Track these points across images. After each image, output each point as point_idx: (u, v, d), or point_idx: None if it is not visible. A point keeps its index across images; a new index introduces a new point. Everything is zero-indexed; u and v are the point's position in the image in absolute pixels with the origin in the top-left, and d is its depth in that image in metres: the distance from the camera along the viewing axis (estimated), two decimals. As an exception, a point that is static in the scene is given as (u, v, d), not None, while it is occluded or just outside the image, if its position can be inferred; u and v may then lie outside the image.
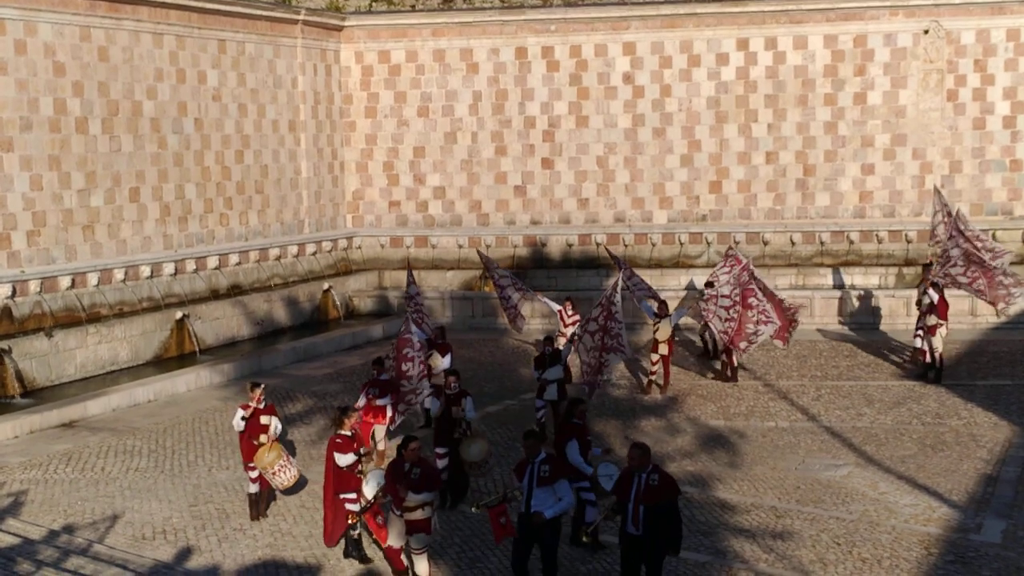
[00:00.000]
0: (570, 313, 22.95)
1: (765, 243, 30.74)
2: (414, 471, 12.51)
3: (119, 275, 24.87)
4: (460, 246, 32.02)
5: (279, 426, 15.32)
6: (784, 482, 16.48)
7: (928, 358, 22.65)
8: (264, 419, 15.06)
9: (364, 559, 13.54)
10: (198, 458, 18.02)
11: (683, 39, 31.23)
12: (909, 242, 30.32)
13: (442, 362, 19.28)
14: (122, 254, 25.36)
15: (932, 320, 22.54)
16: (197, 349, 25.46)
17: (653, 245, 31.33)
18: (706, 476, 16.67)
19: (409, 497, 12.44)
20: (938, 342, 22.56)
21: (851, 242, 30.56)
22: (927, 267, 25.26)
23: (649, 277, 29.71)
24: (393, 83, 32.43)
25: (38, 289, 22.98)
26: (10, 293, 22.35)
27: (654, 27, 31.26)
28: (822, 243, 30.65)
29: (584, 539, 12.35)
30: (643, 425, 19.69)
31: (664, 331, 21.87)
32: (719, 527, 14.48)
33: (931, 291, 22.81)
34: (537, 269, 30.93)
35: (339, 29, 32.10)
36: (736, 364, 22.80)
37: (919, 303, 24.22)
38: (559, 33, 31.65)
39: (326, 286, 30.11)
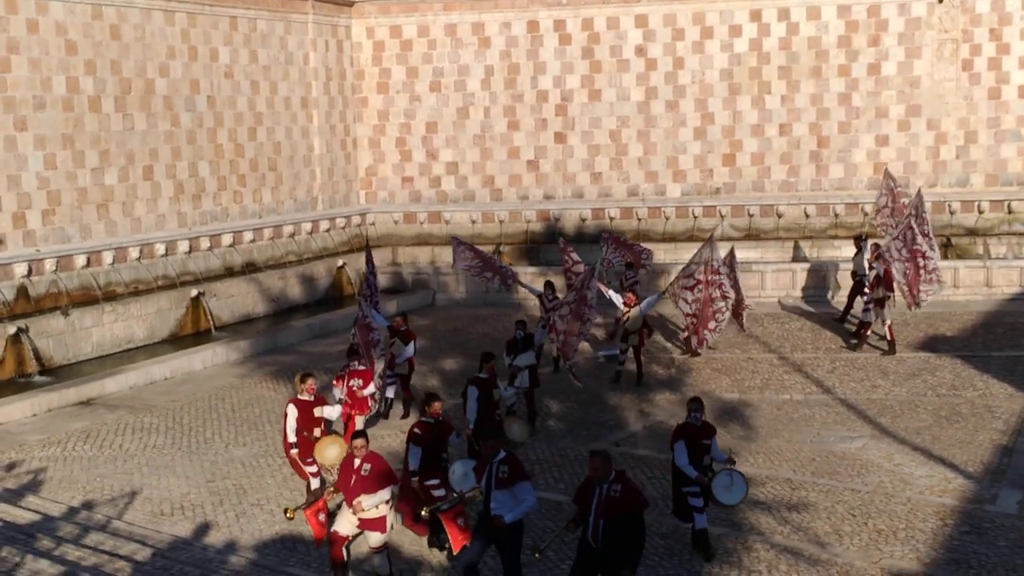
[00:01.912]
0: (551, 297, 21.84)
1: (779, 215, 30.65)
2: (364, 467, 11.92)
3: (134, 253, 24.95)
4: (473, 221, 32.01)
5: (333, 416, 14.94)
6: (799, 454, 16.50)
7: (870, 330, 22.84)
8: (318, 411, 14.52)
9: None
10: (215, 435, 18.13)
11: (696, 11, 31.04)
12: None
13: (406, 350, 18.76)
14: (137, 232, 25.43)
15: (880, 293, 22.48)
16: (212, 327, 25.55)
17: (667, 219, 31.26)
18: (721, 449, 16.66)
19: (363, 499, 11.83)
20: (886, 314, 22.59)
21: (865, 214, 30.38)
22: (859, 239, 25.23)
23: (663, 251, 29.85)
24: (405, 58, 32.35)
25: (54, 268, 23.08)
26: (26, 272, 22.45)
27: (666, -1, 31.13)
28: (836, 215, 30.54)
29: (539, 555, 11.14)
30: (657, 399, 19.72)
31: (634, 321, 20.67)
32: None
33: (878, 264, 22.70)
34: (550, 244, 30.83)
35: (350, 5, 32.00)
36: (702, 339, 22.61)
37: (853, 274, 24.67)
38: (571, 6, 31.49)
39: (340, 263, 30.16)
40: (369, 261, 20.21)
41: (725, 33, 30.98)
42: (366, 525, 12.05)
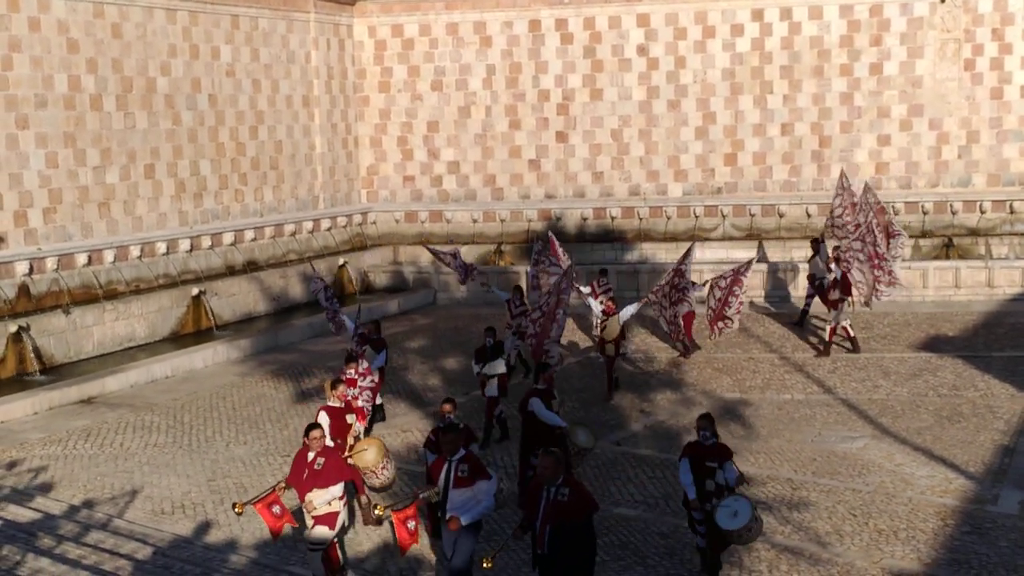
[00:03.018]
0: (518, 304, 21.06)
1: (781, 215, 30.63)
2: (318, 461, 11.71)
3: (135, 252, 24.95)
4: (475, 220, 32.01)
5: (359, 424, 14.64)
6: (800, 454, 16.49)
7: (830, 336, 22.76)
8: (349, 418, 14.24)
9: None
10: (216, 433, 18.13)
11: (697, 10, 31.03)
12: (925, 213, 30.18)
13: (376, 359, 17.97)
14: (138, 231, 25.43)
15: (835, 295, 22.46)
16: (214, 325, 25.56)
17: (668, 218, 31.25)
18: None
19: (314, 496, 11.60)
20: (841, 316, 22.57)
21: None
22: (816, 241, 25.31)
23: (664, 251, 29.83)
24: (407, 57, 32.35)
25: (55, 266, 23.07)
26: (27, 271, 22.45)
27: (668, -2, 31.10)
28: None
29: (485, 564, 10.26)
30: (658, 399, 19.71)
31: (611, 329, 19.92)
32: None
33: (835, 266, 22.67)
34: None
35: (352, 3, 32.00)
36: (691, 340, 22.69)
37: (811, 277, 24.67)
38: (573, 5, 31.49)
39: (341, 261, 30.16)
40: (315, 276, 19.82)
41: (727, 32, 30.96)
42: (316, 522, 11.77)
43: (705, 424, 12.07)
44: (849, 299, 22.73)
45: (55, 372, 21.71)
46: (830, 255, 23.71)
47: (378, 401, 18.05)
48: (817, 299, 24.15)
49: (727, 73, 31.09)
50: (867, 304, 22.91)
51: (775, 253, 29.82)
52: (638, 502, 14.56)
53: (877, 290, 22.51)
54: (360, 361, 16.32)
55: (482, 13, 31.83)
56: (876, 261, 22.35)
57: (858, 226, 22.97)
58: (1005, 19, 30.05)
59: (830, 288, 22.77)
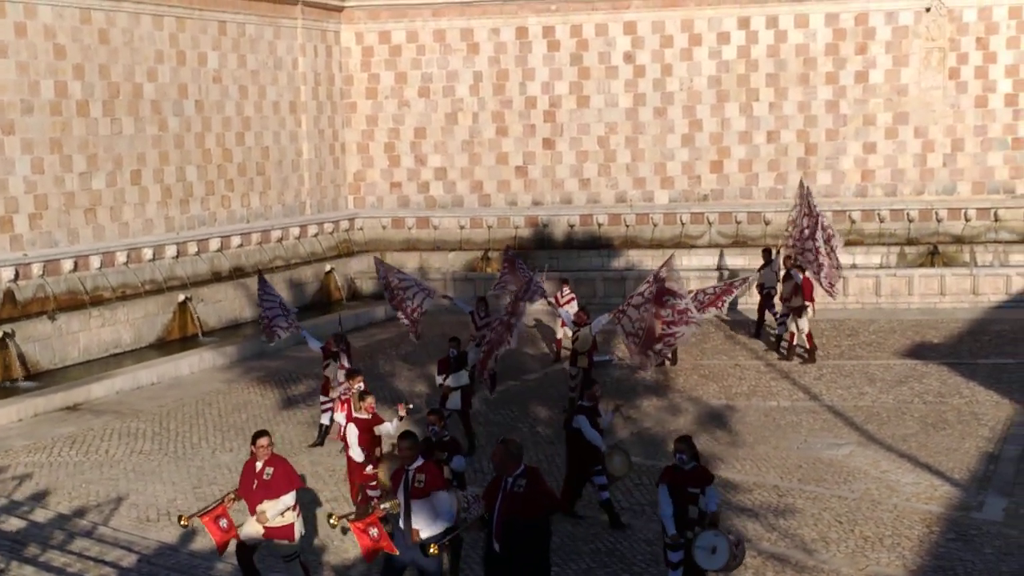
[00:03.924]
0: (482, 315, 20.53)
1: (767, 223, 30.72)
2: (267, 471, 11.45)
3: (121, 258, 24.88)
4: (462, 227, 32.02)
5: (391, 432, 13.92)
6: (786, 461, 16.53)
7: (796, 340, 22.79)
8: (377, 429, 13.88)
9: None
10: (202, 440, 18.08)
11: (684, 18, 31.11)
12: (911, 221, 30.31)
13: (340, 374, 17.32)
14: (124, 237, 25.36)
15: (797, 302, 22.51)
16: (200, 331, 25.50)
17: (655, 225, 31.32)
18: (708, 455, 16.69)
19: (266, 507, 11.35)
20: (804, 323, 22.65)
21: (853, 221, 30.54)
22: (768, 251, 25.42)
23: (651, 258, 29.85)
24: (394, 64, 32.36)
25: (41, 272, 23.00)
26: (13, 276, 22.37)
27: (655, 6, 31.13)
28: (824, 222, 30.53)
29: (432, 551, 9.94)
30: (644, 405, 19.73)
31: (584, 340, 19.38)
32: (722, 506, 14.47)
33: (795, 272, 22.70)
34: (539, 250, 30.89)
35: (339, 10, 32.01)
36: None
37: (760, 287, 24.84)
38: (560, 12, 31.55)
39: (328, 268, 30.12)
40: (263, 285, 19.14)
41: (713, 40, 31.05)
42: (271, 534, 11.53)
43: (683, 447, 11.22)
44: (811, 304, 22.79)
45: (40, 378, 21.64)
46: (783, 264, 23.78)
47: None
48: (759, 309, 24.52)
49: (713, 80, 31.17)
50: (831, 292, 22.68)
51: (760, 260, 29.82)
52: (624, 509, 14.58)
53: (832, 284, 22.38)
54: (339, 376, 16.02)
55: (469, 20, 31.86)
56: (829, 256, 22.20)
57: (803, 230, 23.10)
58: (989, 28, 30.20)
59: (791, 295, 22.79)
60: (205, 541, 13.65)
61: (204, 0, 27.27)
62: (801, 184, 26.07)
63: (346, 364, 17.63)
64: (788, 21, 30.76)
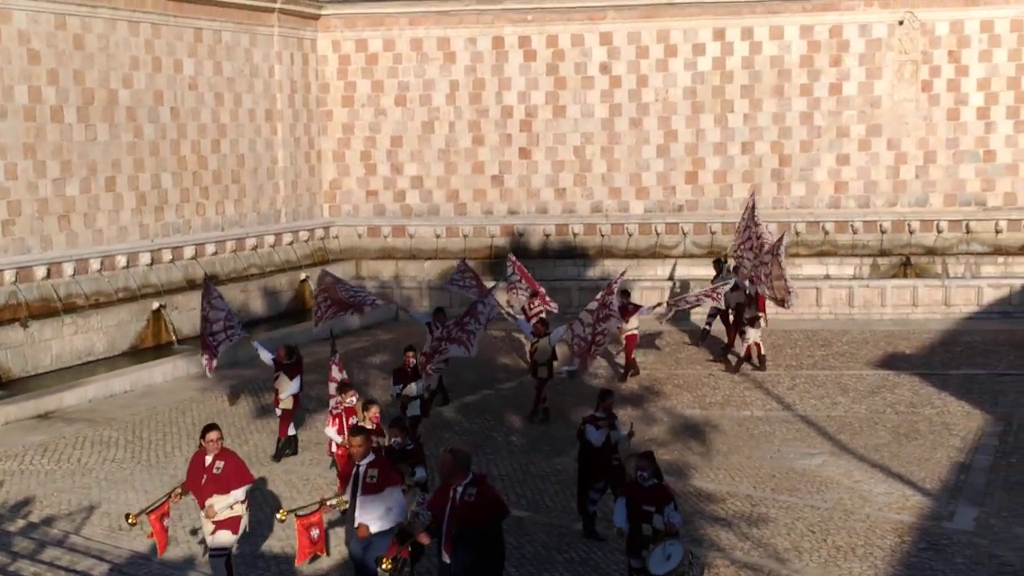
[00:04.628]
0: (439, 327, 19.78)
1: (741, 233, 30.82)
2: (217, 464, 11.35)
3: (95, 265, 24.75)
4: (438, 236, 32.02)
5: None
6: (759, 471, 16.60)
7: (745, 351, 22.89)
8: (380, 440, 13.35)
9: None
10: (175, 449, 17.99)
11: (660, 29, 31.26)
12: (884, 232, 30.51)
13: (290, 386, 17.36)
14: (98, 244, 25.22)
15: (751, 312, 22.63)
16: (174, 339, 25.38)
17: (630, 235, 31.41)
18: (682, 465, 16.77)
19: (215, 501, 11.26)
20: (755, 334, 22.74)
21: (826, 232, 30.74)
22: (718, 262, 25.63)
23: (626, 267, 29.87)
24: (370, 72, 32.35)
25: (13, 279, 22.84)
26: (-15, 283, 22.23)
27: (631, 17, 31.27)
28: (797, 233, 30.76)
29: (384, 565, 9.73)
30: (620, 414, 19.68)
31: (542, 351, 19.41)
32: (695, 515, 14.57)
33: (748, 284, 22.79)
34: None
35: (316, 18, 31.98)
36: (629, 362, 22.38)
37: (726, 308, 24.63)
38: (536, 23, 31.63)
39: (303, 276, 30.05)
40: (212, 294, 18.62)
41: (689, 51, 31.21)
42: (218, 527, 11.44)
43: (644, 464, 11.14)
44: (763, 315, 22.91)
45: (12, 386, 21.48)
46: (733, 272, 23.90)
47: (291, 432, 17.48)
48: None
49: (688, 91, 31.32)
50: (785, 303, 22.06)
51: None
52: (598, 518, 14.58)
53: (787, 293, 22.21)
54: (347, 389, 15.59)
55: (446, 29, 31.90)
56: (776, 269, 22.09)
57: (746, 241, 23.27)
58: (961, 41, 30.48)
59: (744, 306, 22.88)
60: (177, 551, 13.60)
61: (180, 7, 27.20)
62: (752, 195, 26.32)
63: (289, 379, 17.35)
64: (763, 33, 30.95)
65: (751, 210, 23.91)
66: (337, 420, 15.20)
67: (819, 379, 22.15)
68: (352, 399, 15.28)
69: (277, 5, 30.21)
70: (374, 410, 13.95)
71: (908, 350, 24.53)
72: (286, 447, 17.52)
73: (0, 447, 17.97)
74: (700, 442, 18.05)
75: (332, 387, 15.99)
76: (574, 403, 20.50)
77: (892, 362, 23.36)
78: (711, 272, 27.76)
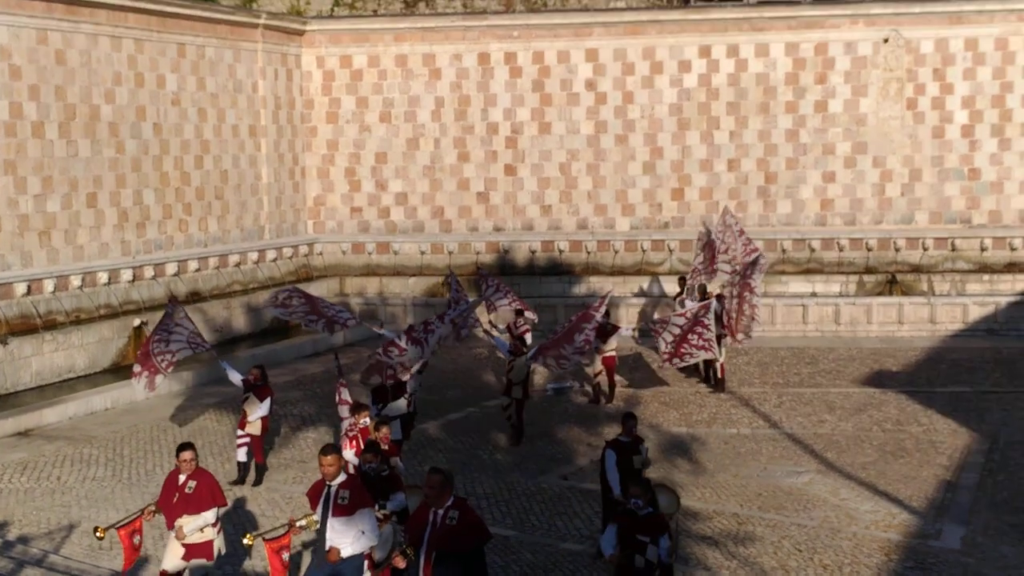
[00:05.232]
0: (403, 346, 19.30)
1: (727, 250, 30.79)
2: (189, 484, 11.19)
3: (76, 282, 24.54)
4: (422, 252, 31.91)
5: (400, 466, 13.67)
6: (746, 489, 16.49)
7: (721, 372, 22.59)
8: (391, 461, 13.27)
9: None
10: (156, 467, 17.78)
11: (646, 46, 31.28)
12: (870, 250, 30.53)
13: (260, 408, 16.96)
14: (79, 260, 25.02)
15: (717, 330, 22.25)
16: (156, 356, 25.13)
17: (616, 252, 31.35)
18: (668, 483, 16.62)
19: (185, 522, 11.05)
20: (721, 352, 22.28)
21: (812, 250, 30.74)
22: (683, 279, 25.52)
23: (612, 284, 29.91)
24: (355, 88, 32.28)
25: (-7, 295, 22.66)
26: (-36, 299, 22.02)
27: (617, 34, 31.31)
28: (784, 251, 30.78)
29: None
30: (605, 432, 19.60)
31: (518, 371, 18.95)
32: (682, 534, 14.43)
33: (715, 302, 22.57)
34: (500, 276, 30.69)
35: (300, 34, 31.91)
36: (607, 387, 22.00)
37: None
38: (522, 39, 31.62)
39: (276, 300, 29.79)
40: (174, 310, 18.11)
41: (675, 68, 31.22)
42: (191, 552, 11.20)
43: (639, 492, 10.69)
44: (726, 334, 22.48)
45: (-9, 404, 21.28)
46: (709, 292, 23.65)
47: (242, 458, 16.97)
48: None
49: (674, 108, 31.34)
50: (746, 335, 22.11)
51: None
52: (585, 537, 14.46)
53: (742, 325, 22.03)
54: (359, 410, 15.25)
55: (431, 45, 31.86)
56: (745, 295, 21.95)
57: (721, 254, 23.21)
58: (946, 59, 30.60)
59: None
60: (157, 570, 13.37)
61: (163, 22, 27.08)
62: (725, 211, 26.29)
63: (259, 401, 17.00)
64: (749, 50, 31.00)
65: (732, 227, 23.81)
66: (354, 442, 14.83)
67: (806, 397, 22.08)
68: (366, 420, 14.95)
69: (261, 21, 30.14)
70: (385, 430, 13.68)
71: (894, 367, 24.50)
72: (264, 472, 17.14)
73: (-22, 465, 17.75)
74: (687, 460, 17.94)
75: (344, 410, 15.61)
76: (559, 421, 20.40)
77: (878, 380, 23.31)
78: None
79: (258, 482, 16.93)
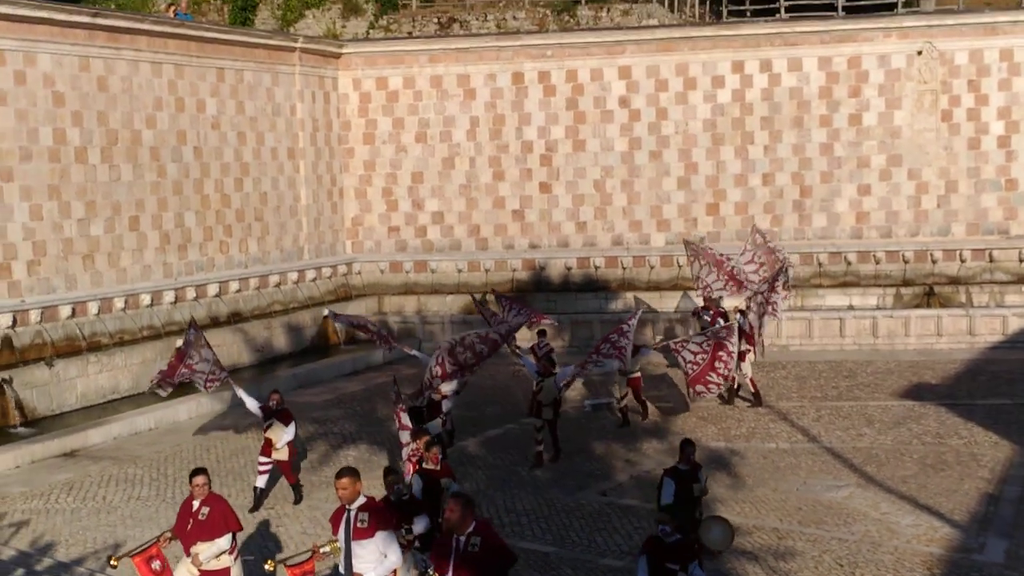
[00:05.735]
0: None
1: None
2: (203, 510, 11.07)
3: (119, 304, 24.90)
4: (459, 271, 32.09)
5: (453, 486, 13.39)
6: (786, 503, 16.49)
7: (736, 384, 22.57)
8: (443, 482, 13.22)
9: None
10: (200, 486, 17.98)
11: (679, 62, 31.37)
12: (906, 262, 30.41)
13: (286, 433, 16.96)
14: (122, 283, 25.38)
15: (743, 346, 22.29)
16: (198, 377, 25.42)
17: (651, 268, 31.40)
18: (708, 498, 16.62)
19: (200, 549, 10.94)
20: (747, 367, 22.49)
21: (849, 263, 30.65)
22: (707, 297, 25.33)
23: (648, 300, 29.95)
24: (391, 109, 32.56)
25: (38, 319, 23.00)
26: (11, 323, 22.37)
27: (649, 51, 31.42)
28: (820, 264, 30.72)
29: None
30: (644, 448, 19.70)
31: (548, 392, 18.83)
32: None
33: (740, 317, 22.56)
34: (537, 292, 30.95)
35: (337, 56, 32.26)
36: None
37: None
38: (555, 58, 31.80)
39: (326, 312, 30.08)
40: (190, 342, 18.33)
41: (708, 84, 31.29)
42: None
43: (666, 519, 10.65)
44: (752, 349, 22.58)
45: (37, 425, 21.59)
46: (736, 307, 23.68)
47: (260, 486, 16.94)
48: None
49: (708, 124, 31.40)
50: (764, 318, 22.19)
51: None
52: (624, 553, 14.52)
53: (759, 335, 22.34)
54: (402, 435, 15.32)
55: (466, 66, 32.11)
56: (769, 308, 22.04)
57: (763, 278, 23.24)
58: (981, 71, 30.48)
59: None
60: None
61: (202, 47, 27.49)
62: (754, 229, 26.32)
63: (284, 426, 17.02)
64: (782, 65, 31.01)
65: (753, 234, 23.89)
66: (416, 466, 14.66)
67: (844, 410, 22.03)
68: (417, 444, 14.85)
69: (298, 44, 30.52)
70: (435, 450, 13.60)
71: (933, 380, 24.38)
72: (300, 491, 17.24)
73: (26, 486, 18.05)
74: (725, 475, 17.95)
75: (404, 435, 15.67)
76: (597, 437, 20.47)
77: (917, 392, 23.21)
78: (734, 303, 27.72)
79: (298, 500, 17.09)
